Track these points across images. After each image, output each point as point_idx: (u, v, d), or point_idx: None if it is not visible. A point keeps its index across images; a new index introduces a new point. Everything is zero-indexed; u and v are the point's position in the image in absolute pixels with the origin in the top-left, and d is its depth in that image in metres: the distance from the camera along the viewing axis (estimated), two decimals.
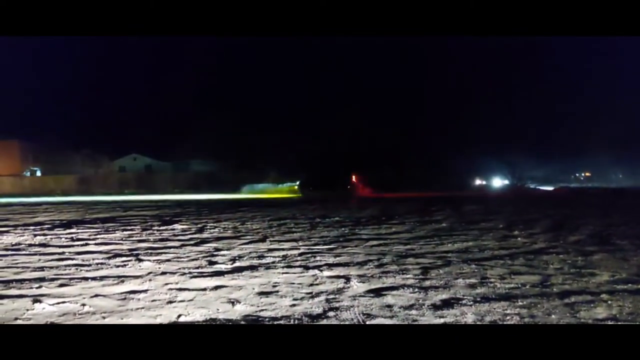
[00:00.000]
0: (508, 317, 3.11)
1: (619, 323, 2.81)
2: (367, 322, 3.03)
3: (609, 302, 3.49)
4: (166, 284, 4.08)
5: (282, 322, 3.05)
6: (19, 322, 3.06)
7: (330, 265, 4.88)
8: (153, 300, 3.55)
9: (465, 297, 3.64)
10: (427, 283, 4.11)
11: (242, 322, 3.04)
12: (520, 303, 3.45)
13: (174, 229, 8.01)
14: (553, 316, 3.14)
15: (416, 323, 3.02)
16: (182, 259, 5.20)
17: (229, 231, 7.78)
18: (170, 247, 6.01)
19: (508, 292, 3.78)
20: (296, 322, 3.04)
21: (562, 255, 5.47)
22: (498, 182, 55.65)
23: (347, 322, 3.03)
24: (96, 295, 3.69)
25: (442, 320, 3.06)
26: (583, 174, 68.03)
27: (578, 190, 34.17)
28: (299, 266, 4.84)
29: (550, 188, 43.39)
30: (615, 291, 3.82)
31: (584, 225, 8.86)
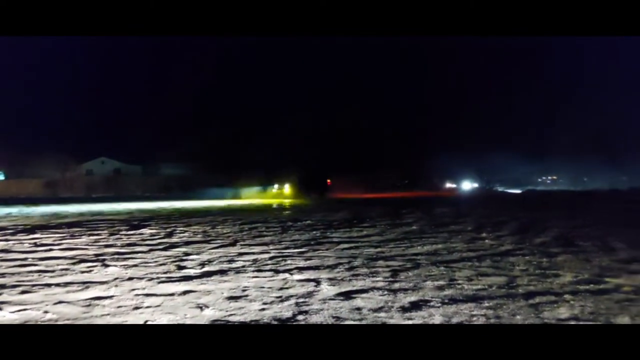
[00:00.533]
0: (475, 318, 3.15)
1: (614, 323, 2.86)
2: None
3: (572, 302, 3.58)
4: (133, 289, 4.00)
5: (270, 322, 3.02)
6: None
7: (300, 269, 4.87)
8: (119, 307, 3.47)
9: (433, 298, 3.69)
10: (397, 285, 4.15)
11: (236, 323, 3.01)
12: (487, 304, 3.51)
13: (142, 234, 7.87)
14: (518, 317, 3.20)
15: (409, 323, 3.04)
16: (150, 264, 5.11)
17: (199, 235, 7.69)
18: (138, 252, 5.90)
19: (475, 294, 3.84)
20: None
21: (527, 257, 5.59)
22: (468, 185, 56.65)
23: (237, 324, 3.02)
24: (59, 302, 3.59)
25: (410, 322, 3.09)
26: (549, 178, 69.76)
27: (544, 193, 35.02)
28: (269, 270, 4.82)
29: (518, 191, 44.34)
30: (577, 291, 3.92)
31: (549, 227, 9.08)
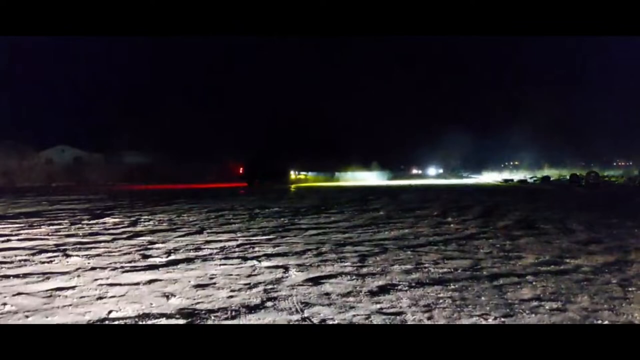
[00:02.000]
0: (441, 301, 3.21)
1: (614, 324, 2.93)
2: (306, 311, 3.03)
3: (534, 283, 3.69)
4: (96, 279, 3.89)
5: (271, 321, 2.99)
6: None
7: (268, 256, 4.85)
8: (81, 297, 3.37)
9: (400, 282, 3.73)
10: (365, 270, 4.17)
11: (228, 323, 2.96)
12: (453, 287, 3.57)
13: (105, 223, 7.67)
14: (482, 298, 3.27)
15: (401, 324, 3.05)
16: (113, 254, 4.99)
17: (164, 224, 7.55)
18: (101, 242, 5.75)
19: (441, 277, 3.90)
20: (234, 313, 2.99)
21: (491, 240, 5.73)
22: (433, 171, 57.61)
23: (285, 312, 3.01)
24: (19, 294, 3.46)
25: (378, 306, 3.11)
26: (512, 163, 71.56)
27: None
28: (237, 257, 4.77)
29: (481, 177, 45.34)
30: (539, 272, 4.04)
31: (512, 211, 9.32)
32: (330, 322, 2.82)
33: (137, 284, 3.75)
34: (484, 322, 2.83)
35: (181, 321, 2.87)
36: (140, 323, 2.83)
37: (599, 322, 2.82)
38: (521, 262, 4.49)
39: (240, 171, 28.16)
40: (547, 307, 3.06)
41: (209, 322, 2.85)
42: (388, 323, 2.81)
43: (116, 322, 2.84)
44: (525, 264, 4.38)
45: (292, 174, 31.56)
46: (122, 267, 4.34)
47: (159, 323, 2.84)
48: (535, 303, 3.16)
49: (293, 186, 26.30)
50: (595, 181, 25.98)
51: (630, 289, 3.50)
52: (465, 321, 2.83)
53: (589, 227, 6.84)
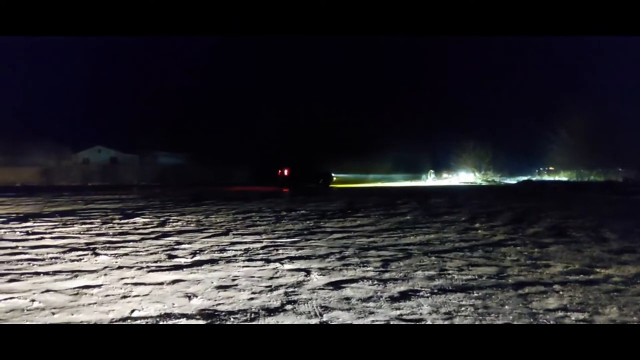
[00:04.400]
0: (463, 309, 3.15)
1: (614, 324, 2.86)
2: (325, 315, 3.02)
3: (561, 292, 3.59)
4: (122, 278, 3.98)
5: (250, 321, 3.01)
6: None
7: (292, 259, 4.86)
8: (106, 295, 3.46)
9: (422, 288, 3.68)
10: (387, 275, 4.14)
11: (237, 323, 3.00)
12: (476, 294, 3.51)
13: (135, 223, 7.84)
14: (506, 307, 3.20)
15: (410, 324, 3.03)
16: (140, 253, 5.09)
17: (192, 224, 7.67)
18: (129, 241, 5.88)
19: (465, 284, 3.84)
20: (253, 316, 3.01)
21: (519, 247, 5.60)
22: (464, 176, 56.81)
23: (304, 316, 3.02)
24: (47, 291, 3.57)
25: (398, 312, 3.08)
26: (547, 168, 69.86)
27: (540, 184, 35.10)
28: (260, 259, 4.80)
29: (514, 181, 44.46)
30: (567, 282, 3.92)
31: (543, 217, 9.10)
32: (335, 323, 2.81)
33: (162, 283, 3.82)
34: (484, 323, 2.78)
35: (201, 322, 2.90)
36: (154, 323, 2.88)
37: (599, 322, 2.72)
38: (549, 270, 4.37)
39: (286, 174, 29.01)
40: (573, 318, 2.98)
41: (228, 323, 2.88)
42: (390, 323, 2.78)
43: (137, 322, 2.90)
44: (553, 273, 4.26)
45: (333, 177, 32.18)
46: (147, 267, 4.42)
47: (173, 323, 2.88)
48: (573, 323, 3.07)
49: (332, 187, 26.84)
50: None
51: None
52: (425, 313, 2.77)
53: (623, 235, 6.61)
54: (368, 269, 4.41)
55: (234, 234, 6.59)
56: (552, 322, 2.90)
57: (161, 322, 2.89)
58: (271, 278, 4.04)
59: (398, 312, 3.10)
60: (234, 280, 3.96)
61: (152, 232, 6.69)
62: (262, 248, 5.49)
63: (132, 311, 3.09)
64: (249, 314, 3.04)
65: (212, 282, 3.87)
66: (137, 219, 8.33)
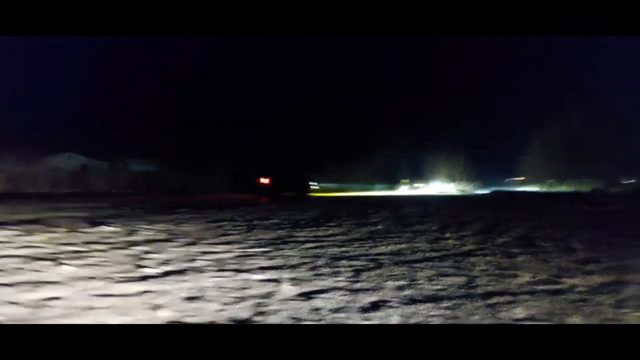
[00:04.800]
0: (432, 319, 3.17)
1: (613, 324, 2.89)
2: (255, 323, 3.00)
3: (528, 302, 3.64)
4: (86, 289, 3.87)
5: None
6: None
7: (263, 269, 4.82)
8: (70, 307, 3.35)
9: (392, 299, 3.69)
10: (358, 285, 4.14)
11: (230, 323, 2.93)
12: (445, 304, 3.53)
13: (102, 231, 7.66)
14: (475, 317, 3.23)
15: (401, 323, 3.02)
16: (107, 263, 4.97)
17: (162, 234, 7.54)
18: (96, 251, 5.73)
19: (434, 294, 3.86)
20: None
21: (488, 257, 5.67)
22: (437, 185, 57.54)
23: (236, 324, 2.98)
24: (8, 303, 3.44)
25: (367, 323, 3.08)
26: (517, 179, 71.36)
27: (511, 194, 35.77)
28: (231, 270, 4.74)
29: (487, 191, 45.22)
30: (534, 292, 3.99)
31: (513, 227, 9.25)
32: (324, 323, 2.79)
33: (128, 295, 3.73)
34: (483, 323, 2.80)
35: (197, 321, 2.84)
36: (135, 323, 2.81)
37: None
38: (517, 280, 4.44)
39: (268, 183, 28.87)
40: None
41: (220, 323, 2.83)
42: (386, 323, 2.77)
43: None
44: (521, 283, 4.33)
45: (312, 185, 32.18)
46: (114, 278, 4.32)
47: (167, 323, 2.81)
48: (527, 323, 3.11)
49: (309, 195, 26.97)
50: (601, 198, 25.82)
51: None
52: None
53: (590, 245, 6.77)
54: (339, 279, 4.40)
55: (204, 244, 6.50)
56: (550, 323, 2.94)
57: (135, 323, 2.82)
58: (241, 289, 3.99)
59: (367, 322, 3.10)
60: (203, 291, 3.89)
61: (119, 242, 6.54)
62: (233, 258, 5.42)
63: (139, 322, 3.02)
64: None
65: (181, 293, 3.79)
66: (105, 228, 8.14)
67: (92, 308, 3.35)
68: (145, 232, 7.72)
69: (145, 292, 3.82)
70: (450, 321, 3.12)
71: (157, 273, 4.54)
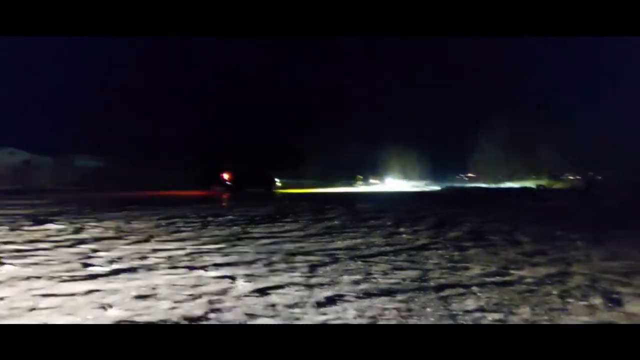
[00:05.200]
0: (386, 312, 3.20)
1: (611, 324, 2.94)
2: (249, 323, 2.95)
3: (478, 294, 3.74)
4: (30, 289, 3.68)
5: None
6: None
7: (217, 265, 4.74)
8: (11, 308, 3.18)
9: (348, 293, 3.70)
10: (314, 280, 4.13)
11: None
12: (400, 298, 3.58)
13: (47, 230, 7.33)
14: (428, 309, 3.29)
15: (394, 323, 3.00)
16: (52, 262, 4.75)
17: (111, 231, 7.29)
18: (40, 249, 5.47)
19: (389, 288, 3.90)
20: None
21: (441, 251, 5.80)
22: (390, 181, 58.51)
23: (232, 323, 2.93)
24: None
25: (324, 317, 3.07)
26: (466, 175, 73.53)
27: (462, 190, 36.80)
28: (184, 267, 4.64)
29: (439, 188, 46.34)
30: (484, 284, 4.10)
31: (464, 222, 9.51)
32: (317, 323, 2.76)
33: (74, 294, 3.57)
34: (483, 323, 2.84)
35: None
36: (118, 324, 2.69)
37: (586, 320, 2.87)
38: (468, 273, 4.55)
39: (228, 178, 28.52)
40: (489, 318, 3.11)
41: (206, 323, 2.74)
42: (380, 323, 2.77)
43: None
44: (472, 275, 4.45)
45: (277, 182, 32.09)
46: (59, 277, 4.13)
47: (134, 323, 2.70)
48: (478, 314, 3.19)
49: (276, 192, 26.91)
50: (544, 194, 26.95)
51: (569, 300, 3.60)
52: (350, 317, 2.82)
53: (535, 239, 7.04)
54: (295, 274, 4.38)
55: (156, 241, 6.33)
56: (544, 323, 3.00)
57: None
58: (194, 286, 3.90)
59: (324, 317, 3.09)
60: (154, 289, 3.78)
61: (65, 240, 6.27)
62: (186, 255, 5.31)
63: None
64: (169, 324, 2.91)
65: (131, 292, 3.67)
66: (50, 226, 7.79)
67: (35, 308, 3.19)
68: (93, 229, 7.45)
69: (92, 291, 3.68)
70: (404, 314, 3.17)
71: (105, 271, 4.38)
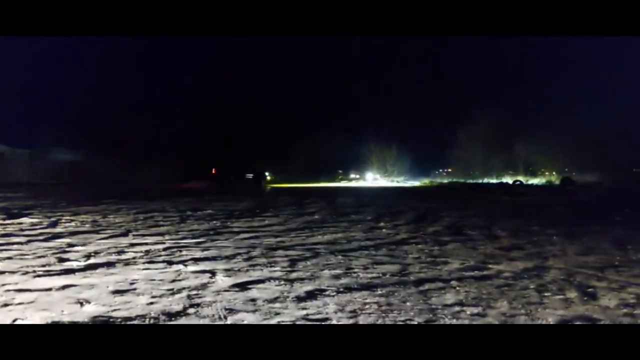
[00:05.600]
0: (367, 306, 3.20)
1: (610, 324, 2.96)
2: (229, 318, 2.93)
3: (457, 288, 3.77)
4: (3, 284, 3.60)
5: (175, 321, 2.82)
6: None
7: (196, 260, 4.69)
8: None
9: (329, 287, 3.70)
10: (294, 275, 4.12)
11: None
12: (380, 292, 3.59)
13: (21, 223, 7.17)
14: (408, 303, 3.30)
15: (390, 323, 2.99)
16: (27, 256, 4.65)
17: (87, 225, 7.16)
18: (14, 244, 5.35)
19: (369, 282, 3.91)
20: (152, 321, 2.85)
21: (420, 245, 5.84)
22: (371, 176, 58.79)
23: (208, 319, 2.90)
24: None
25: (304, 312, 3.06)
26: (445, 170, 74.15)
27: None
28: (162, 261, 4.58)
29: (417, 183, 46.69)
30: (463, 278, 4.14)
31: (443, 217, 9.60)
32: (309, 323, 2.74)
33: (50, 289, 3.50)
34: (482, 323, 2.85)
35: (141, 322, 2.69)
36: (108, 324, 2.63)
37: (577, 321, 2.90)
38: (447, 267, 4.59)
39: (213, 172, 28.81)
40: (468, 312, 3.14)
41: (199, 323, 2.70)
42: (251, 319, 2.77)
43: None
44: (451, 269, 4.49)
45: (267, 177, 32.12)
46: (34, 272, 4.04)
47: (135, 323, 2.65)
48: (457, 308, 3.22)
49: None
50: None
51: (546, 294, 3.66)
52: (331, 311, 2.83)
53: (512, 233, 7.13)
54: (275, 269, 4.36)
55: (134, 235, 6.24)
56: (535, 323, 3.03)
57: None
58: (173, 281, 3.85)
59: (304, 312, 3.08)
60: (132, 284, 3.72)
61: (40, 234, 6.15)
62: (165, 249, 5.24)
63: (14, 320, 2.80)
64: (147, 320, 2.87)
65: (108, 287, 3.61)
66: (25, 219, 7.63)
67: (9, 304, 3.11)
68: (69, 223, 7.31)
69: (68, 286, 3.61)
70: (385, 308, 3.18)
71: (81, 266, 4.30)
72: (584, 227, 8.12)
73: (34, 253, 4.84)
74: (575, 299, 3.50)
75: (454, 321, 2.95)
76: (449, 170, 72.31)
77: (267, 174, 32.50)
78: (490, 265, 4.70)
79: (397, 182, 53.99)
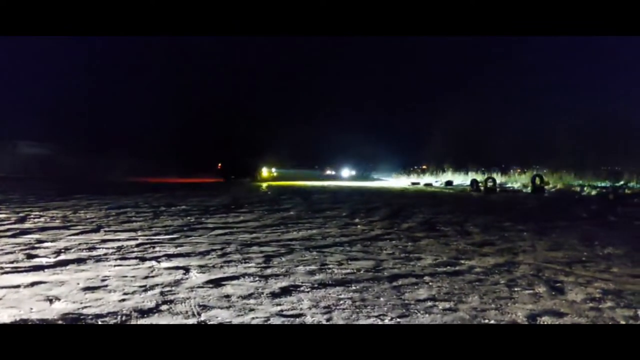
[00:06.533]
0: (341, 302, 3.23)
1: (608, 324, 3.00)
2: (203, 314, 2.91)
3: (430, 283, 3.83)
4: None
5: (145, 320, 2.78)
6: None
7: (169, 256, 4.64)
8: None
9: (303, 283, 3.71)
10: (269, 271, 4.12)
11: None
12: (354, 288, 3.62)
13: None
14: (381, 299, 3.34)
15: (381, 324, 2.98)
16: None
17: (57, 221, 7.00)
18: None
19: (344, 278, 3.94)
20: (124, 318, 2.81)
21: (394, 242, 5.90)
22: (346, 172, 59.00)
23: (181, 316, 2.88)
24: None
25: (278, 308, 3.07)
26: (420, 167, 74.87)
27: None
28: (135, 258, 4.52)
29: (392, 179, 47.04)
30: (436, 273, 4.21)
31: (416, 213, 9.71)
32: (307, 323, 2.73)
33: (18, 286, 3.42)
34: (482, 323, 2.89)
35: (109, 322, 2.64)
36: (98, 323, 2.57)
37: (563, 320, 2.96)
38: (420, 263, 4.66)
39: (219, 167, 29.56)
40: (440, 307, 3.19)
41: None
42: (225, 314, 2.78)
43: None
44: (424, 265, 4.55)
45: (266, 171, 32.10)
46: (1, 268, 3.94)
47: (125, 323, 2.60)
48: (429, 303, 3.27)
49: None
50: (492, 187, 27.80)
51: (515, 289, 3.74)
52: (305, 307, 2.86)
53: (484, 229, 7.27)
54: (249, 265, 4.35)
55: (105, 231, 6.13)
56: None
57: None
58: (146, 277, 3.81)
59: (279, 307, 3.09)
60: (103, 280, 3.67)
61: (8, 229, 5.99)
62: (137, 246, 5.17)
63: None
64: (119, 317, 2.83)
65: (78, 284, 3.55)
66: None
67: None
68: (38, 219, 7.13)
69: (37, 283, 3.53)
70: (359, 303, 3.20)
71: (51, 263, 4.21)
72: (552, 222, 8.32)
73: (1, 249, 4.71)
74: (544, 294, 3.60)
75: (427, 316, 3.00)
76: (424, 167, 73.07)
77: (273, 170, 32.68)
78: (462, 261, 4.78)
79: (374, 179, 54.29)
